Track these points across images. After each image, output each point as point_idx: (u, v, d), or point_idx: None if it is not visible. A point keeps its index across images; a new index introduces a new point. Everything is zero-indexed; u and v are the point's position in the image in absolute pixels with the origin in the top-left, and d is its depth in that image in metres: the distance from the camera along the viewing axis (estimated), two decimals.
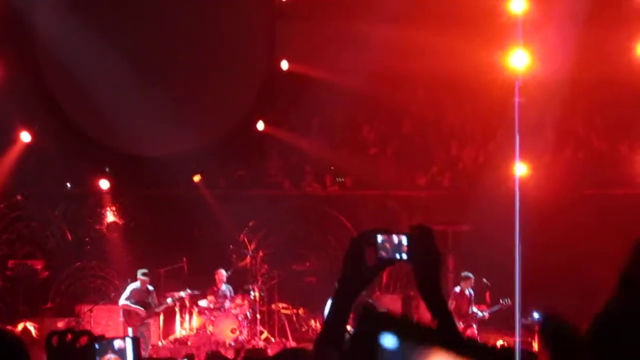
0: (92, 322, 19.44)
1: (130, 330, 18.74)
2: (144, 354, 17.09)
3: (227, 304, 19.99)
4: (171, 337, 20.28)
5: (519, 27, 18.52)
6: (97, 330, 15.67)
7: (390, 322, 2.40)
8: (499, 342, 19.49)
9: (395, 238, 3.41)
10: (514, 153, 18.69)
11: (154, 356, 17.79)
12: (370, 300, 19.57)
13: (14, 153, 22.89)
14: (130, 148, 22.26)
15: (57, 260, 23.09)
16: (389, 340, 2.33)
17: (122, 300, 19.35)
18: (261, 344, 19.81)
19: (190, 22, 23.20)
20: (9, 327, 18.70)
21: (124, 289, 19.71)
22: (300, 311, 21.70)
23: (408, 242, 3.41)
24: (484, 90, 22.86)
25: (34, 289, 22.37)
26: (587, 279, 20.79)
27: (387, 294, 22.19)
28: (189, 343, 19.84)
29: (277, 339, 20.83)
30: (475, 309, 19.18)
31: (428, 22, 22.79)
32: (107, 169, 23.75)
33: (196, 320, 20.24)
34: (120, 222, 23.62)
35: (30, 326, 20.86)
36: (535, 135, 22.00)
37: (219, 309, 19.94)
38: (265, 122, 24.88)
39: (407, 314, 17.92)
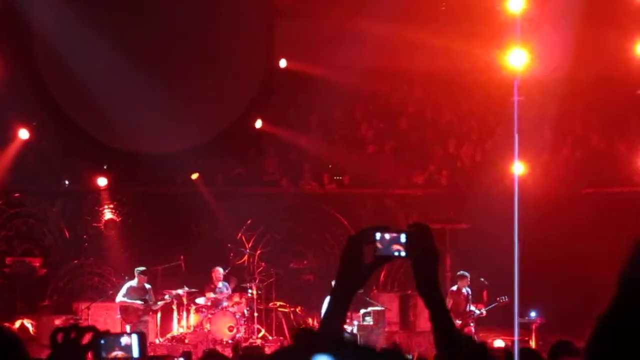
0: (89, 319, 19.43)
1: (128, 328, 18.74)
2: None
3: (225, 302, 19.99)
4: (168, 335, 20.28)
5: (517, 26, 18.50)
6: None
7: (324, 343, 2.39)
8: (497, 342, 19.54)
9: (393, 235, 3.41)
10: (511, 151, 18.70)
11: (151, 354, 17.78)
12: (368, 299, 19.59)
13: (12, 150, 22.87)
14: (128, 145, 22.26)
15: (55, 257, 23.08)
16: None
17: (120, 297, 19.38)
18: (258, 342, 19.80)
19: (188, 20, 23.20)
20: (7, 324, 18.72)
21: (121, 286, 19.73)
22: (298, 309, 21.70)
23: (406, 239, 3.41)
24: (482, 89, 22.86)
25: (31, 286, 22.36)
26: (585, 277, 20.80)
27: (384, 293, 22.20)
28: (186, 341, 19.84)
29: (275, 337, 20.83)
30: (472, 307, 19.20)
31: (426, 20, 22.82)
32: (104, 167, 23.73)
33: (193, 318, 20.25)
34: (117, 219, 23.61)
35: (28, 323, 20.86)
36: (533, 133, 22.01)
37: (216, 306, 19.94)
38: (263, 119, 24.86)
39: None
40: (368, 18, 22.49)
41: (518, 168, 18.34)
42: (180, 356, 14.27)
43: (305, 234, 24.24)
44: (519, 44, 19.40)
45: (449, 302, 18.52)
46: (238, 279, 21.64)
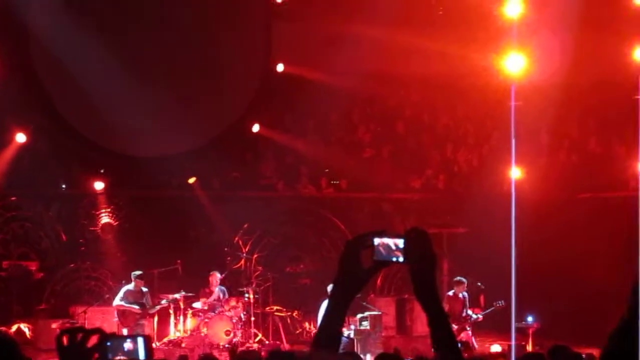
0: (86, 323, 19.40)
1: (125, 331, 18.72)
2: None
3: (221, 307, 19.98)
4: (165, 339, 20.25)
5: (514, 30, 18.54)
6: None
7: None
8: (494, 347, 19.55)
9: (390, 240, 3.42)
10: (508, 156, 18.73)
11: None
12: (364, 303, 19.60)
13: (8, 153, 22.85)
14: (125, 149, 22.25)
15: (51, 261, 23.05)
16: None
17: (117, 301, 19.35)
18: (255, 346, 19.79)
19: (186, 24, 23.19)
20: (3, 328, 18.71)
21: (118, 290, 19.70)
22: (295, 313, 21.69)
23: (404, 244, 3.42)
24: (479, 94, 22.87)
25: (28, 290, 22.33)
26: (581, 282, 20.83)
27: (381, 297, 22.21)
28: (183, 345, 19.81)
29: (271, 341, 20.81)
30: (469, 312, 19.19)
31: (423, 25, 22.83)
32: (101, 170, 23.71)
33: (190, 322, 20.22)
34: (114, 223, 23.59)
35: (24, 327, 20.84)
36: (530, 138, 22.04)
37: (213, 310, 19.93)
38: (260, 123, 24.86)
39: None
40: (365, 22, 22.50)
41: (515, 172, 18.37)
42: None
43: (302, 237, 24.24)
44: (516, 49, 19.45)
45: (445, 307, 18.50)
46: (235, 283, 21.63)
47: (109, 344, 3.65)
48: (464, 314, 19.03)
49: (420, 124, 26.18)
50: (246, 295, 20.66)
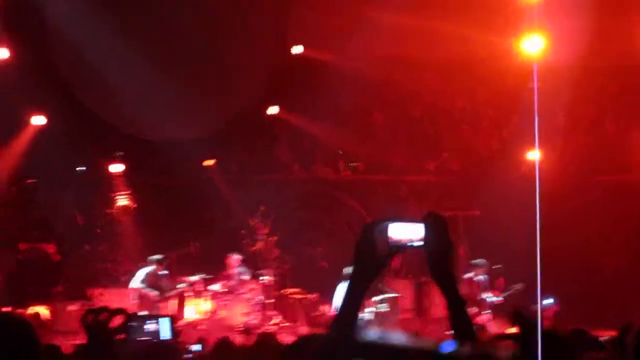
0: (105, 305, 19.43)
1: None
2: None
3: (240, 289, 20.01)
4: (182, 322, 20.29)
5: (533, 12, 18.43)
6: None
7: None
8: (511, 329, 19.47)
9: (407, 225, 3.41)
10: (526, 139, 18.63)
11: None
12: (381, 285, 19.57)
13: (25, 137, 22.92)
14: (142, 132, 22.27)
15: (68, 244, 23.11)
16: None
17: (137, 284, 19.36)
18: (272, 328, 19.80)
19: (203, 7, 23.17)
20: (20, 311, 18.78)
21: (135, 272, 19.73)
22: (312, 296, 21.69)
23: (420, 230, 3.41)
24: (497, 76, 22.79)
25: (45, 273, 22.40)
26: (597, 264, 20.78)
27: (398, 280, 22.16)
28: (200, 327, 19.85)
29: (289, 323, 20.82)
30: (487, 295, 19.12)
31: (441, 8, 22.72)
32: (118, 153, 23.73)
33: (207, 305, 20.25)
34: (131, 206, 23.62)
35: (41, 310, 20.91)
36: (547, 121, 21.94)
37: (231, 292, 19.96)
38: (279, 106, 24.86)
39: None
40: (383, 6, 22.41)
41: (537, 155, 18.29)
42: (195, 342, 14.28)
43: (319, 220, 24.23)
44: (535, 31, 19.34)
45: (464, 290, 18.46)
46: (252, 266, 21.65)
47: (133, 324, 3.66)
48: (481, 297, 18.98)
49: (436, 107, 26.11)
50: (262, 277, 20.69)
